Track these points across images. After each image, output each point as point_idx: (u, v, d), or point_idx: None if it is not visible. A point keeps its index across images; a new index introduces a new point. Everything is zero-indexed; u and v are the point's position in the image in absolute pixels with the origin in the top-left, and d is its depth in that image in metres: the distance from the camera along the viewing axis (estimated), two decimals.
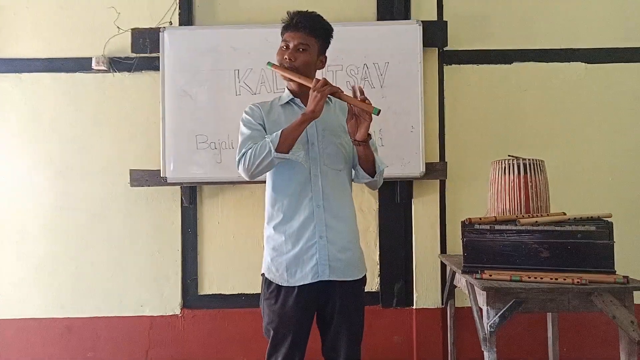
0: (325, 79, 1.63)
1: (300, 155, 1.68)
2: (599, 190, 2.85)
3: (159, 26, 2.78)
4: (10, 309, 2.84)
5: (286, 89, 1.82)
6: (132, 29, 2.80)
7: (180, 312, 2.84)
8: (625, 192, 2.84)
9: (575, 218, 1.92)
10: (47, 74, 2.87)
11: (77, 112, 2.87)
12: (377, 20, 2.85)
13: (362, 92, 1.63)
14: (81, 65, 2.85)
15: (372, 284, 2.84)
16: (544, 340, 2.59)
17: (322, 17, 1.77)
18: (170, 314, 2.84)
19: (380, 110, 1.57)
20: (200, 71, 2.74)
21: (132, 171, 2.77)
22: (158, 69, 2.75)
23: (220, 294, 2.86)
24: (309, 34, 1.70)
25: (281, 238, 1.72)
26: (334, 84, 1.64)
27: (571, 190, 2.81)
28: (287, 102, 1.80)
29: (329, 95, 1.64)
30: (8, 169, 2.87)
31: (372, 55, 2.73)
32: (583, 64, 2.88)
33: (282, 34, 1.76)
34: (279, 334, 1.71)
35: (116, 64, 2.84)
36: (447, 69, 2.88)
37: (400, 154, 2.71)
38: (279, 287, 1.71)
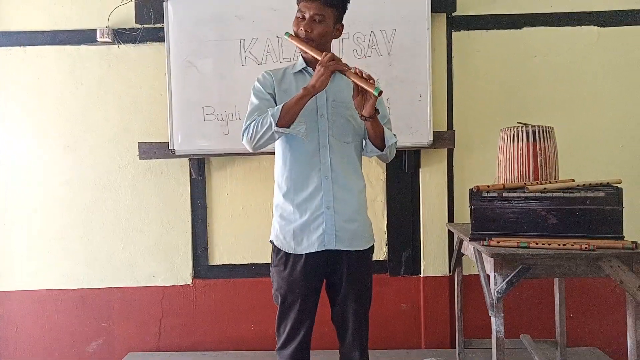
0: (332, 54, 1.61)
1: (301, 129, 1.66)
2: (609, 156, 2.81)
3: None
4: (25, 281, 2.91)
5: (300, 56, 1.80)
6: None
7: (192, 282, 2.89)
8: (636, 158, 2.80)
9: (584, 184, 1.90)
10: (52, 47, 2.86)
11: (83, 85, 2.87)
12: None
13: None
14: (86, 37, 2.84)
15: (380, 253, 2.87)
16: (551, 306, 2.61)
17: None
18: (181, 284, 2.89)
19: (382, 91, 1.56)
20: (206, 41, 2.71)
21: (140, 144, 2.78)
22: (163, 40, 2.73)
23: (230, 264, 2.90)
24: (325, 4, 1.67)
25: (289, 207, 1.74)
26: (340, 57, 1.62)
27: (581, 157, 2.79)
28: (300, 71, 1.79)
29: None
30: (16, 144, 2.89)
31: (379, 22, 2.68)
32: (596, 27, 2.81)
33: (298, 2, 1.71)
34: (288, 300, 1.74)
35: (121, 36, 2.82)
36: (455, 35, 2.82)
37: (408, 123, 2.69)
38: (287, 255, 1.74)
